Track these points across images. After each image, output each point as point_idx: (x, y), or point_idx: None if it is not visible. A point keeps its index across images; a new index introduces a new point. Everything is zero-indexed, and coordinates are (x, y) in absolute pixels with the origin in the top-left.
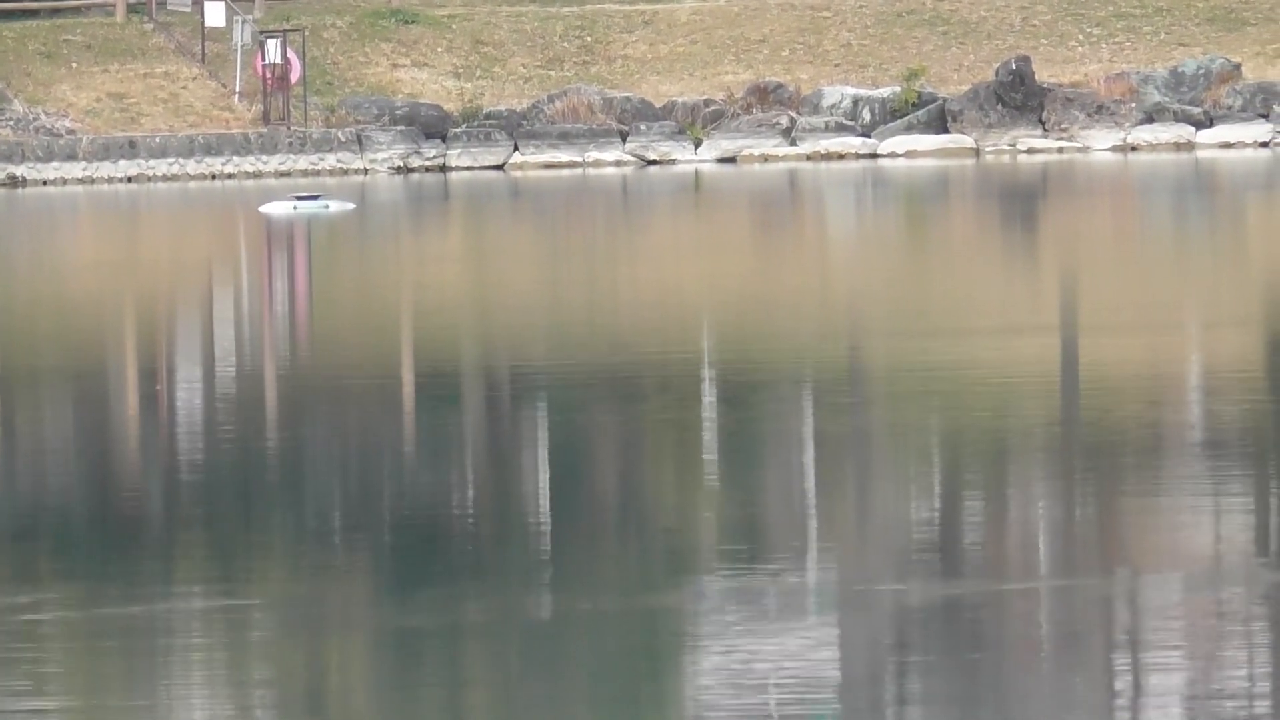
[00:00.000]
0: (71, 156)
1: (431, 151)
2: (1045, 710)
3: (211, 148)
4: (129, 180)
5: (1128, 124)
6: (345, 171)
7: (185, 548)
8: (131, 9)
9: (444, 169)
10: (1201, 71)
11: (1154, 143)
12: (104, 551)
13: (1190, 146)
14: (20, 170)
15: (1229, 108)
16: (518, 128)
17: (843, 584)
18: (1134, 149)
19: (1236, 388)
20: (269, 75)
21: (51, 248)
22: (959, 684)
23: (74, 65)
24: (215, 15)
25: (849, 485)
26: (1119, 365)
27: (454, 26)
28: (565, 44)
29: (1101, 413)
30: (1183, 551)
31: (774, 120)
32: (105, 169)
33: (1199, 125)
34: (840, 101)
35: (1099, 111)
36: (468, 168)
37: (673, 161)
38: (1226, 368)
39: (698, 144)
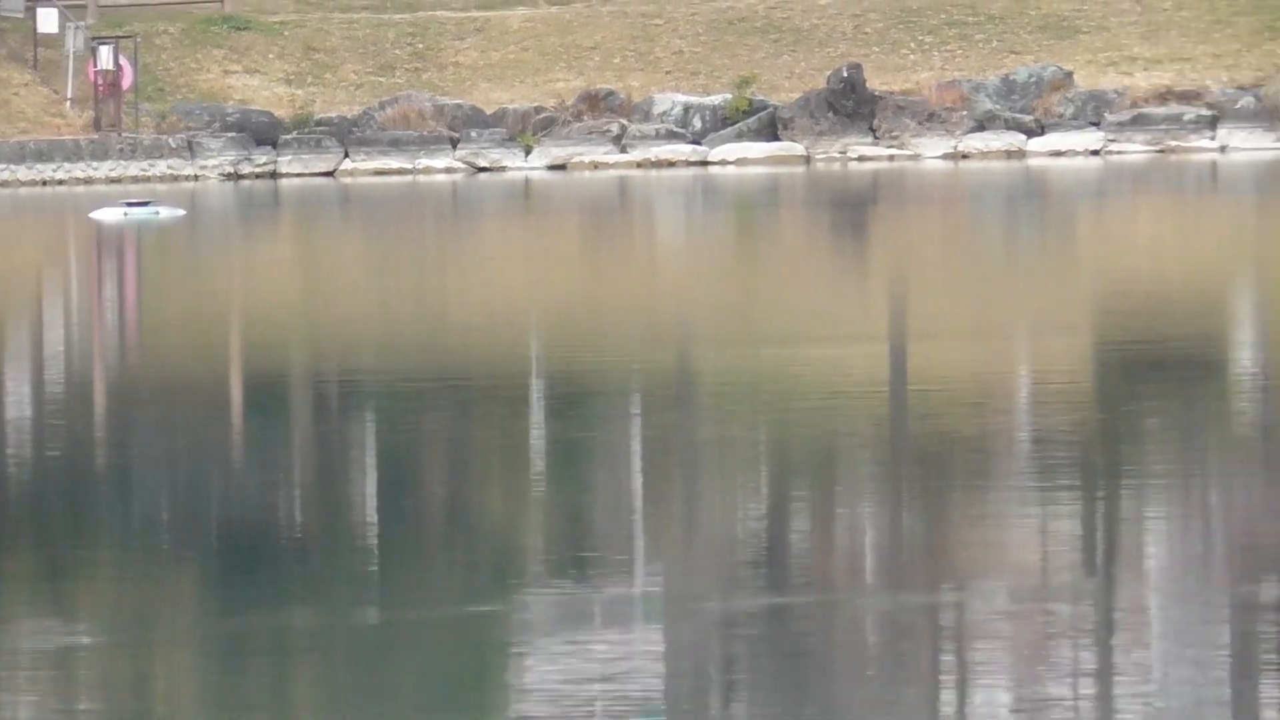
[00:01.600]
0: None
1: (262, 158)
2: None
3: (43, 154)
4: None
5: (959, 132)
6: (176, 178)
7: (8, 559)
8: None
9: (274, 175)
10: (1033, 79)
11: (985, 150)
12: None
13: (1021, 154)
14: None
15: (1060, 116)
16: (348, 134)
17: (669, 595)
18: (965, 157)
19: (1064, 396)
20: (101, 82)
21: None
22: (785, 698)
23: None
24: (48, 21)
25: (677, 495)
26: (947, 373)
27: (286, 33)
28: (397, 51)
29: (929, 422)
30: (1009, 563)
31: (605, 127)
32: None
33: (1030, 133)
34: (671, 109)
35: (930, 119)
36: (298, 174)
37: (503, 168)
38: (1054, 376)
39: (528, 151)
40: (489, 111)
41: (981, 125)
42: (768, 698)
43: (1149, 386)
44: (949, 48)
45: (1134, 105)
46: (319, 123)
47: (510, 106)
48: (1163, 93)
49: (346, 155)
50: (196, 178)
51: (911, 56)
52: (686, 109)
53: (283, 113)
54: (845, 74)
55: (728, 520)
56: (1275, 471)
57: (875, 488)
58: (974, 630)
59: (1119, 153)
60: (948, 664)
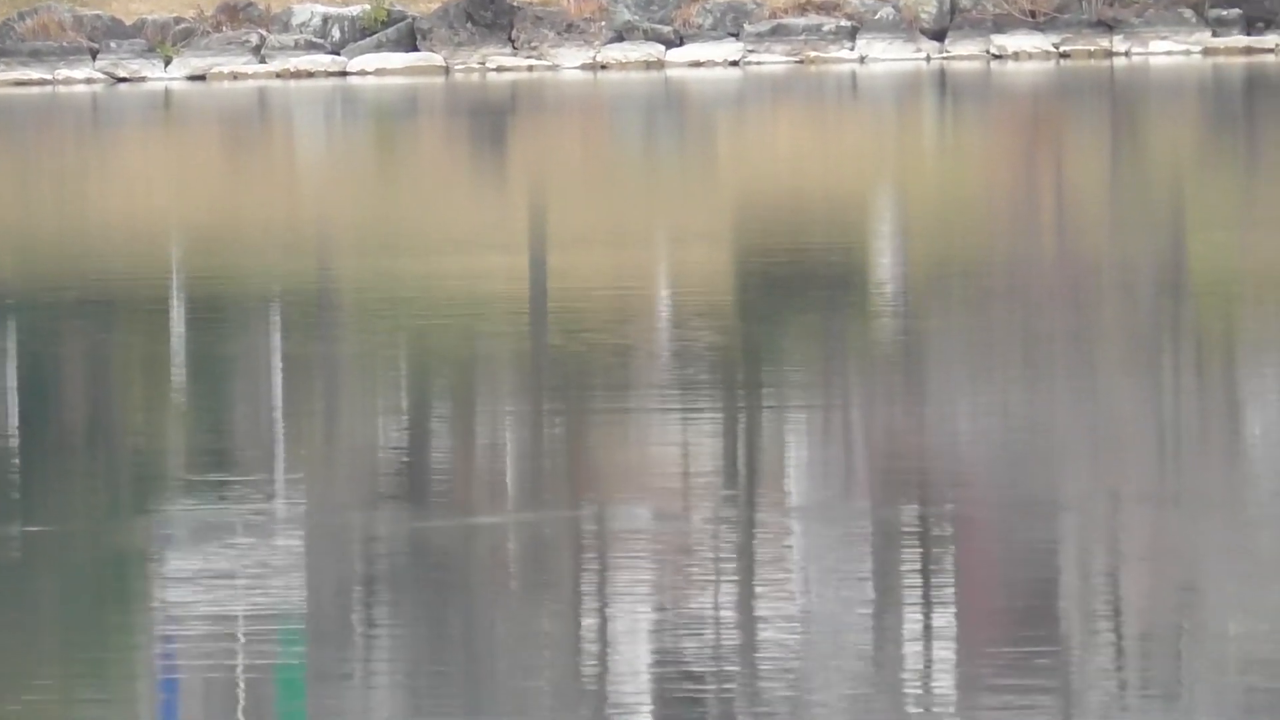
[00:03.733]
0: None
1: None
2: (514, 643)
3: None
4: None
5: (598, 42)
6: None
7: None
8: None
9: None
10: None
11: (624, 61)
12: None
13: (660, 65)
14: None
15: (699, 26)
16: None
17: (310, 513)
18: (604, 67)
19: (704, 309)
20: None
21: None
22: (426, 614)
23: None
24: None
25: (317, 411)
26: (588, 284)
27: None
28: None
29: (569, 335)
30: (649, 480)
31: (244, 38)
32: None
33: (669, 44)
34: (310, 19)
35: (569, 30)
36: None
37: (143, 79)
38: (695, 287)
39: (168, 62)
40: (128, 22)
41: (621, 36)
42: (409, 613)
43: (789, 298)
44: None
45: (773, 16)
46: None
47: (149, 17)
48: (802, 4)
49: None
50: None
51: None
52: (325, 19)
53: None
54: None
55: (368, 435)
56: (913, 386)
57: (515, 402)
58: (614, 548)
59: (758, 63)
60: (588, 581)
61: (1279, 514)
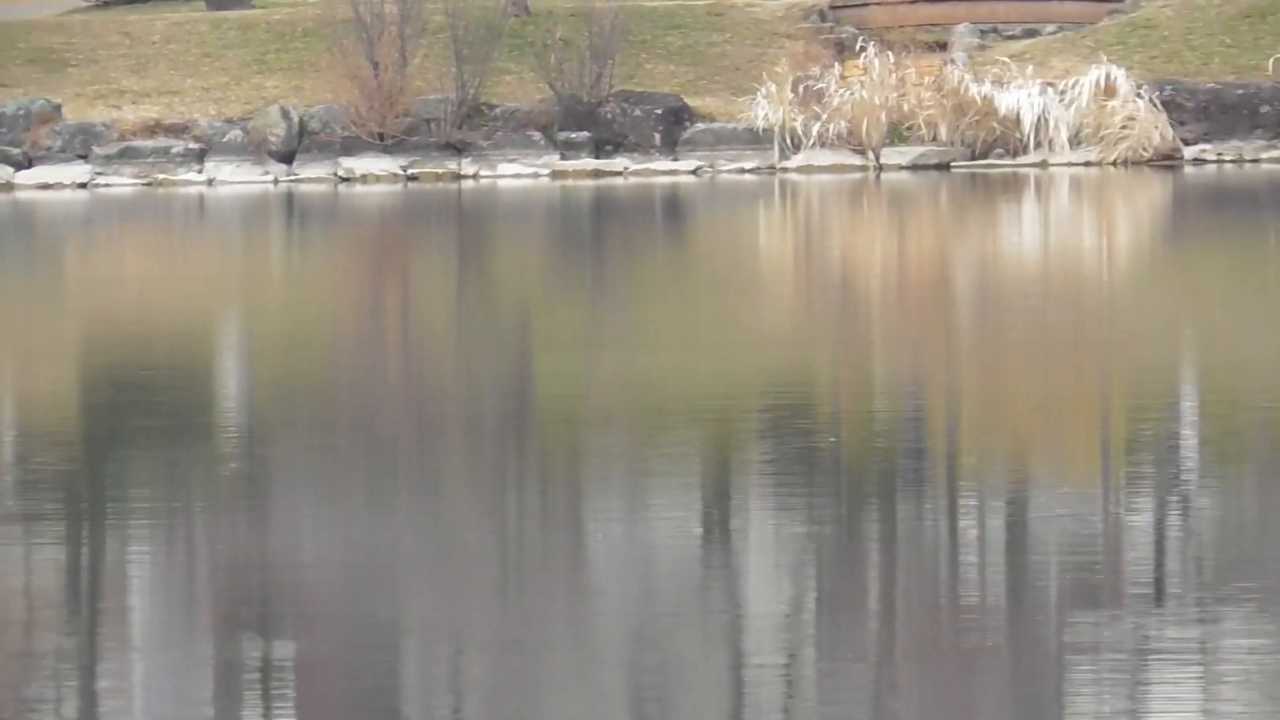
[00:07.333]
0: None
1: None
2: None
3: None
4: None
5: None
6: None
7: None
8: None
9: None
10: (22, 112)
11: None
12: None
13: (10, 187)
14: None
15: (49, 148)
16: None
17: None
18: None
19: (45, 431)
20: None
21: None
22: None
23: None
24: None
25: None
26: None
27: None
28: None
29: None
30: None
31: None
32: None
33: (19, 166)
34: None
35: None
36: None
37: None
38: (38, 410)
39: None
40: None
41: None
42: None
43: (131, 424)
44: None
45: (122, 138)
46: None
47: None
48: (151, 126)
49: None
50: None
51: None
52: None
53: None
54: None
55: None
56: (256, 517)
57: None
58: None
59: (107, 185)
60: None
61: (613, 648)
